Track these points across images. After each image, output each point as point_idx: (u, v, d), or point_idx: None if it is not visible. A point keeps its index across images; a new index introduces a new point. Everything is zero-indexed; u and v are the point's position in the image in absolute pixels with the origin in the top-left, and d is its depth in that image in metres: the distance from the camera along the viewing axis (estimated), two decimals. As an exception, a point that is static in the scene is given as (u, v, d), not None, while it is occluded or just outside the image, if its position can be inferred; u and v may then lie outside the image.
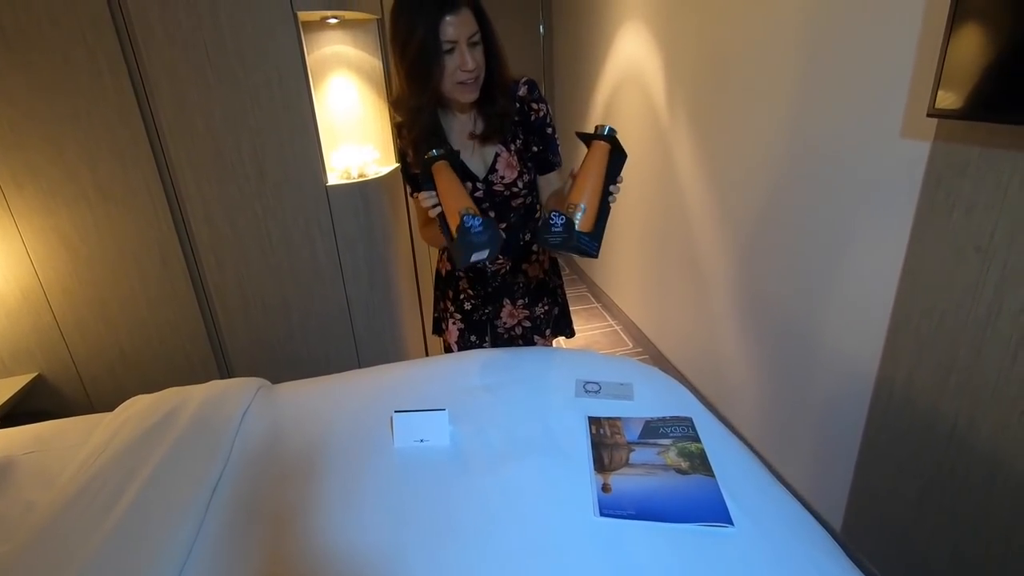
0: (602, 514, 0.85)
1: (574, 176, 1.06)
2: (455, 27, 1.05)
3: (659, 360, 2.63)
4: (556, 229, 0.97)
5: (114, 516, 0.89)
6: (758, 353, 1.85)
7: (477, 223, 0.99)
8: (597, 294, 3.45)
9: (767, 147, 1.67)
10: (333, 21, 1.82)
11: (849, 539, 1.51)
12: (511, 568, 0.77)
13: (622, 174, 1.05)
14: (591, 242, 1.00)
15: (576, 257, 3.89)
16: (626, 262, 2.96)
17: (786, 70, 1.55)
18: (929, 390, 1.21)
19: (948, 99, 1.00)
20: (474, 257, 1.00)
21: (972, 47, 0.95)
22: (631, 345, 2.89)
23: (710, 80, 1.93)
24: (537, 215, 1.34)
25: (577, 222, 0.99)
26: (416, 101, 1.15)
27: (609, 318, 3.20)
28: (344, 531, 0.86)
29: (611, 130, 1.04)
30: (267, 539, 0.87)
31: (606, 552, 0.79)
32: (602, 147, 1.04)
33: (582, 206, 1.00)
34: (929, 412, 1.22)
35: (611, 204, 1.06)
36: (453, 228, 1.01)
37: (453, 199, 1.04)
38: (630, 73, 2.59)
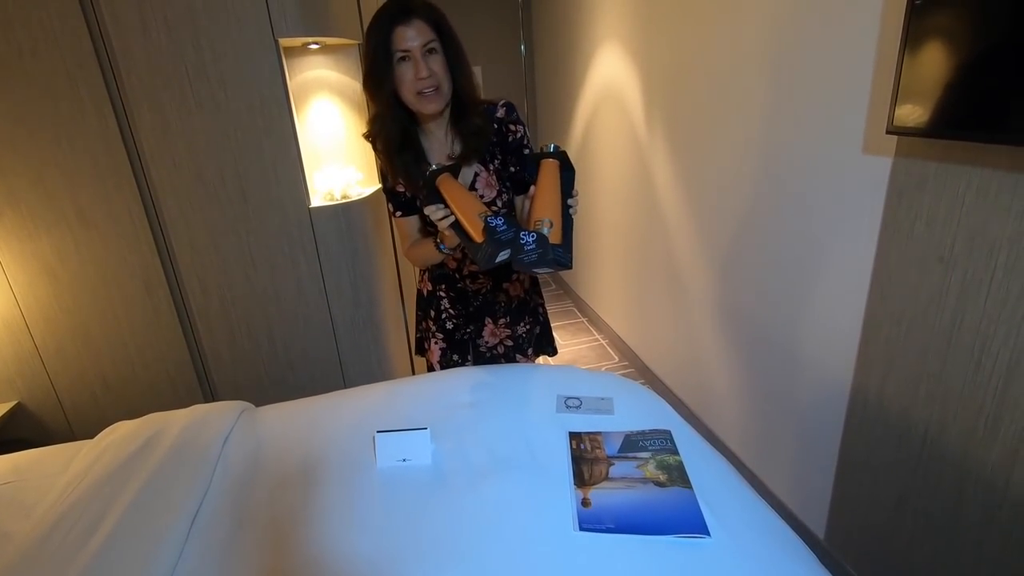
0: (581, 528, 0.86)
1: (532, 197, 1.09)
2: (407, 37, 1.11)
3: (644, 373, 2.65)
4: (530, 248, 0.99)
5: (92, 546, 0.89)
6: (738, 364, 1.88)
7: (500, 222, 1.01)
8: (582, 308, 3.47)
9: (739, 164, 1.71)
10: (314, 47, 1.86)
11: (832, 546, 1.53)
12: (492, 585, 0.78)
13: (576, 187, 1.10)
14: (564, 253, 1.03)
15: (559, 272, 3.90)
16: (610, 276, 2.99)
17: (753, 89, 1.60)
18: (901, 398, 1.24)
19: (905, 117, 1.04)
20: (500, 256, 1.00)
21: (925, 66, 0.99)
22: (617, 359, 2.92)
23: (684, 99, 1.99)
24: None
25: (547, 234, 1.02)
26: (376, 109, 1.20)
27: (595, 332, 3.23)
28: (327, 553, 0.86)
29: (556, 147, 1.09)
30: (249, 565, 0.87)
31: (585, 567, 0.80)
32: (552, 164, 1.08)
33: (548, 221, 1.03)
34: (902, 419, 1.25)
35: (572, 216, 1.10)
36: (475, 232, 1.03)
37: (468, 205, 1.06)
38: (609, 92, 2.65)
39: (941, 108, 0.98)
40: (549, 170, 1.08)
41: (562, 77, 3.33)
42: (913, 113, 1.03)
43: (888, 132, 1.08)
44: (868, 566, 1.41)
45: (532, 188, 1.11)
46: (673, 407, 1.23)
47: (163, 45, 1.55)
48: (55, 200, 1.59)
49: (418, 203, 1.29)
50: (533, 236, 1.00)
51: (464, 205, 1.07)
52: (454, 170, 1.13)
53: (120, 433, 1.21)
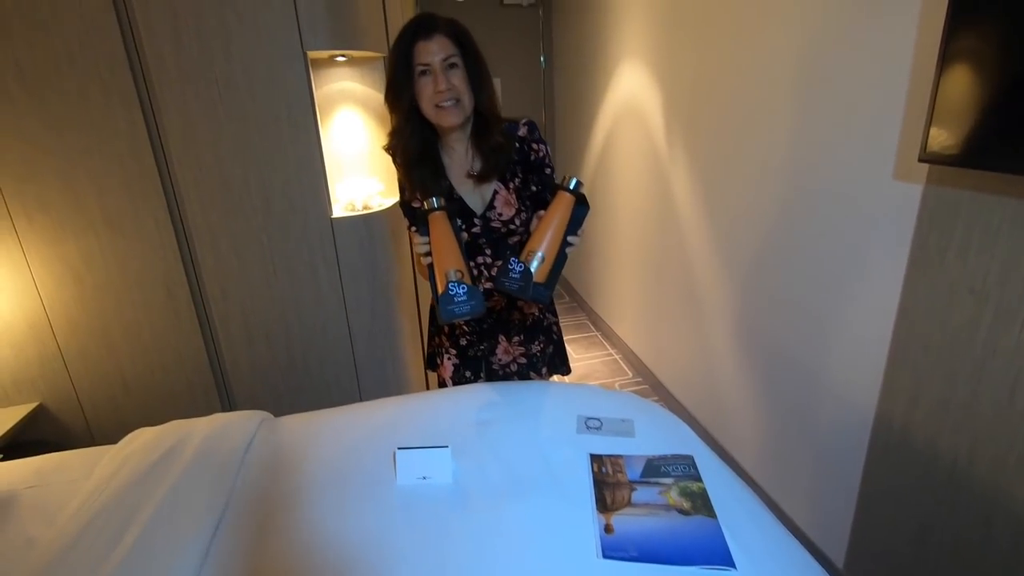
0: (605, 556, 0.85)
1: (537, 220, 1.11)
2: (428, 51, 1.12)
3: (658, 389, 2.63)
4: (514, 276, 1.03)
5: (116, 555, 0.89)
6: (756, 383, 1.86)
7: (462, 292, 1.05)
8: (596, 322, 3.46)
9: (764, 183, 1.71)
10: (341, 59, 1.88)
11: (851, 574, 1.50)
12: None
13: (582, 229, 1.11)
14: (544, 292, 1.06)
15: (565, 279, 3.92)
16: (625, 291, 2.98)
17: (781, 109, 1.59)
18: (928, 426, 1.22)
19: (938, 145, 1.03)
20: (455, 319, 1.06)
21: (961, 94, 0.98)
22: (631, 375, 2.90)
23: (708, 117, 1.98)
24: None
25: (534, 271, 1.04)
26: (396, 122, 1.21)
27: (608, 347, 3.21)
28: (348, 571, 0.86)
29: (577, 183, 1.09)
30: (269, 579, 0.87)
31: (609, 595, 0.79)
32: (566, 199, 1.09)
33: (540, 255, 1.05)
34: (929, 447, 1.22)
35: (568, 254, 1.11)
36: (440, 286, 1.06)
37: (444, 256, 1.08)
38: (629, 107, 2.66)
39: (976, 137, 0.97)
40: (562, 204, 1.08)
41: (581, 91, 3.34)
42: (947, 141, 1.02)
43: (920, 160, 1.07)
44: (889, 598, 1.39)
45: (538, 215, 1.12)
46: (688, 424, 1.23)
47: (194, 55, 1.58)
48: (83, 205, 1.62)
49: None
50: (521, 267, 1.03)
51: (441, 253, 1.09)
52: (451, 211, 1.14)
53: (142, 440, 1.21)
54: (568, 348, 3.18)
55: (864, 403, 1.40)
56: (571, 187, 1.08)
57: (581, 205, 1.10)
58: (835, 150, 1.41)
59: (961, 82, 0.98)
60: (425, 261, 1.13)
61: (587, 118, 3.28)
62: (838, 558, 1.55)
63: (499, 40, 3.77)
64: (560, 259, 1.09)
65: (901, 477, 1.31)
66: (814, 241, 1.52)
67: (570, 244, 1.10)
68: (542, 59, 3.89)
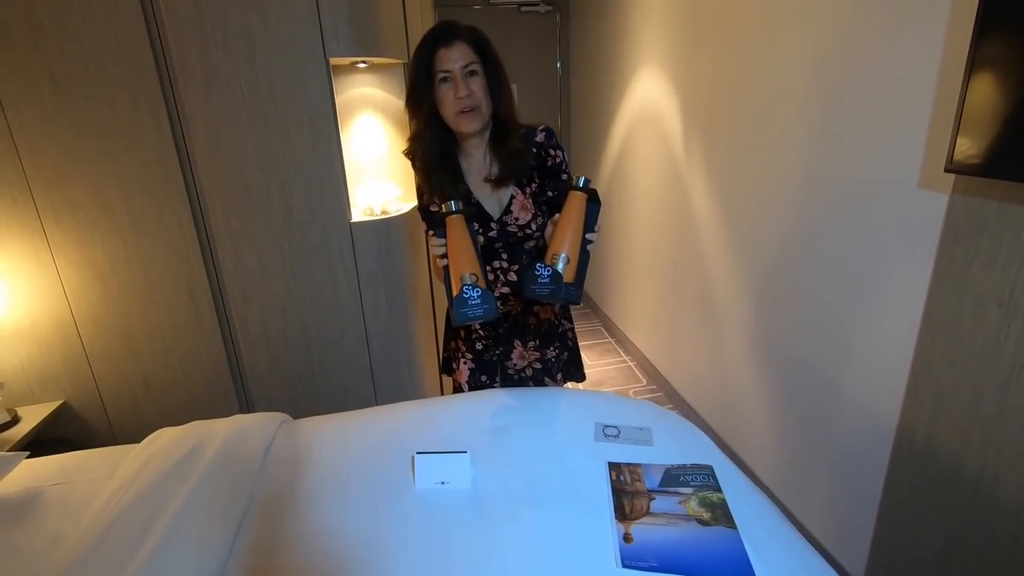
0: (624, 566, 0.85)
1: (554, 225, 1.12)
2: (449, 58, 1.14)
3: (672, 397, 2.62)
4: (543, 281, 1.03)
5: (141, 555, 0.90)
6: (773, 393, 1.84)
7: (476, 295, 1.05)
8: (611, 329, 3.45)
9: (782, 191, 1.69)
10: (362, 65, 1.90)
11: (872, 591, 1.48)
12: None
13: (599, 223, 1.11)
14: (576, 292, 1.07)
15: (586, 293, 3.89)
16: (640, 298, 2.97)
17: (800, 115, 1.58)
18: (952, 441, 1.20)
19: (965, 155, 1.02)
20: (468, 321, 1.07)
21: (989, 103, 0.97)
22: (645, 382, 2.88)
23: (726, 123, 1.97)
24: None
25: (562, 273, 1.04)
26: (416, 127, 1.23)
27: (623, 354, 3.20)
28: (366, 573, 0.86)
29: (587, 181, 1.10)
30: (290, 581, 0.88)
31: (629, 606, 0.79)
32: (579, 197, 1.09)
33: (564, 256, 1.06)
34: (953, 463, 1.20)
35: (590, 251, 1.11)
36: (455, 288, 1.07)
37: (459, 259, 1.08)
38: (646, 113, 2.65)
39: (1004, 148, 0.96)
40: (575, 203, 1.09)
41: (598, 96, 3.34)
42: (974, 151, 1.01)
43: (947, 170, 1.06)
44: (911, 614, 1.36)
45: (554, 219, 1.13)
46: (701, 431, 1.22)
47: (220, 62, 1.61)
48: (110, 208, 1.65)
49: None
50: (549, 271, 1.04)
51: (457, 256, 1.09)
52: (469, 215, 1.14)
53: (165, 440, 1.23)
54: (583, 355, 3.18)
55: (886, 413, 1.38)
56: (581, 185, 1.09)
57: (593, 202, 1.10)
58: (858, 158, 1.40)
59: (989, 91, 0.97)
60: (441, 263, 1.14)
61: (604, 123, 3.28)
62: (857, 571, 1.52)
63: (516, 45, 3.79)
64: (583, 257, 1.10)
65: (924, 490, 1.29)
66: (835, 249, 1.51)
67: (590, 241, 1.10)
68: (559, 64, 3.90)
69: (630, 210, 2.98)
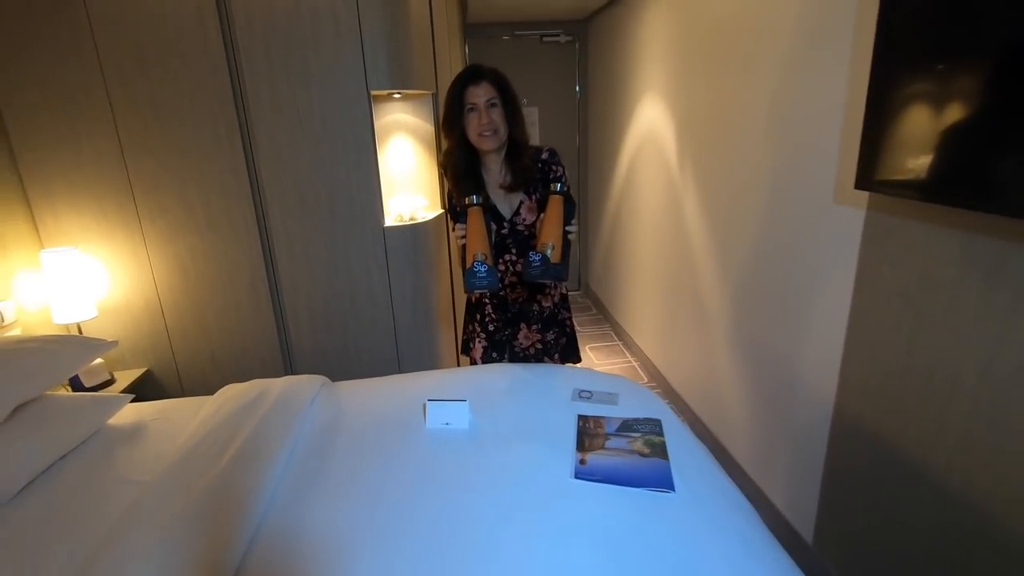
0: (576, 477, 1.13)
1: (541, 223, 1.45)
2: (476, 94, 1.49)
3: (669, 393, 2.86)
4: (535, 264, 1.35)
5: (224, 460, 1.23)
6: (747, 383, 2.08)
7: (483, 270, 1.38)
8: (619, 332, 3.71)
9: (751, 203, 1.96)
10: (397, 96, 2.26)
11: (820, 549, 1.70)
12: (512, 511, 1.05)
13: (575, 219, 1.46)
14: (562, 270, 1.40)
15: (593, 293, 4.18)
16: (644, 304, 3.23)
17: (762, 138, 1.85)
18: (872, 413, 1.44)
19: (866, 175, 1.28)
20: (475, 290, 1.40)
21: (883, 134, 1.22)
22: (646, 380, 3.13)
23: (710, 146, 2.25)
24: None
25: (550, 256, 1.36)
26: (448, 146, 1.59)
27: (628, 355, 3.45)
28: (385, 487, 1.17)
29: (562, 187, 1.45)
30: (331, 487, 1.19)
31: (577, 503, 1.07)
32: (557, 200, 1.44)
33: (550, 244, 1.38)
34: (874, 433, 1.44)
35: (571, 240, 1.46)
36: (468, 262, 1.41)
37: (475, 240, 1.41)
38: (650, 135, 2.94)
39: (898, 171, 1.21)
40: (555, 204, 1.44)
41: (611, 119, 3.64)
42: (874, 173, 1.26)
43: (856, 188, 1.32)
44: (849, 567, 1.58)
45: (541, 217, 1.47)
46: (691, 423, 1.49)
47: (283, 93, 1.98)
48: (192, 211, 2.03)
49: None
50: (539, 256, 1.36)
51: (474, 238, 1.44)
52: (487, 208, 1.50)
53: (234, 391, 1.57)
54: (591, 353, 3.45)
55: (826, 393, 1.62)
56: (558, 190, 1.44)
57: (569, 203, 1.45)
58: (803, 174, 1.66)
59: (883, 125, 1.23)
60: (460, 243, 1.49)
61: (615, 143, 3.57)
62: (808, 535, 1.75)
63: (539, 72, 4.13)
64: (566, 245, 1.44)
65: (856, 461, 1.52)
66: (787, 256, 1.76)
67: (570, 232, 1.45)
68: (577, 89, 4.22)
69: (637, 224, 3.26)
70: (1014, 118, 0.95)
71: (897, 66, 1.18)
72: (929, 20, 1.10)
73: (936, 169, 1.11)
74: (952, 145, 1.08)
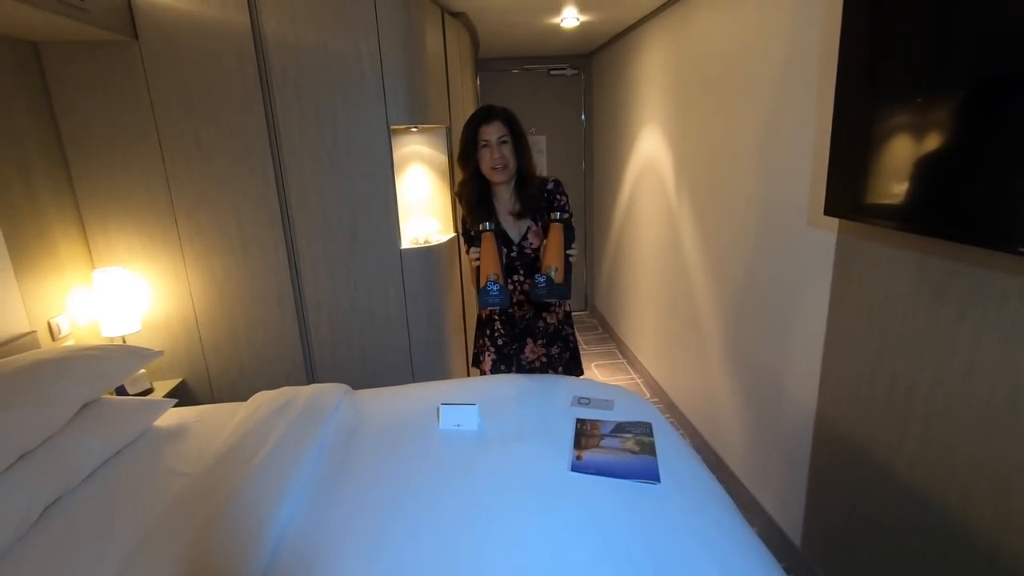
0: (572, 470, 1.28)
1: (544, 248, 1.63)
2: (488, 132, 1.68)
3: (671, 409, 2.98)
4: (541, 285, 1.53)
5: (260, 456, 1.38)
6: (741, 398, 2.21)
7: (495, 289, 1.55)
8: (623, 351, 3.84)
9: (742, 226, 2.11)
10: (414, 129, 2.46)
11: (807, 551, 1.81)
12: (514, 497, 1.20)
13: (575, 243, 1.66)
14: (565, 289, 1.59)
15: (599, 313, 4.33)
16: (645, 323, 3.37)
17: (750, 166, 2.02)
18: (846, 420, 1.57)
19: (834, 203, 1.43)
20: (488, 307, 1.58)
21: (846, 166, 1.38)
22: (649, 395, 3.25)
23: (705, 173, 2.42)
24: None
25: (553, 278, 1.53)
26: (464, 177, 1.78)
27: (632, 372, 3.58)
28: (403, 477, 1.32)
29: (562, 215, 1.64)
30: (354, 475, 1.34)
31: (573, 492, 1.21)
32: (558, 227, 1.63)
33: (554, 267, 1.56)
34: (848, 437, 1.57)
35: (572, 262, 1.64)
36: (482, 282, 1.58)
37: (489, 262, 1.59)
38: (649, 163, 3.13)
39: (859, 198, 1.37)
40: (556, 231, 1.62)
41: (614, 148, 3.84)
42: (840, 201, 1.42)
43: (825, 214, 1.48)
44: (835, 568, 1.69)
45: (544, 243, 1.65)
46: (690, 437, 1.63)
47: (311, 129, 2.19)
48: (227, 233, 2.23)
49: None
50: (544, 278, 1.53)
51: (487, 261, 1.63)
52: (498, 233, 1.69)
53: (266, 397, 1.74)
54: (596, 370, 3.58)
55: (809, 403, 1.75)
56: (558, 218, 1.62)
57: (568, 228, 1.63)
58: (785, 199, 1.82)
59: (844, 158, 1.39)
60: (475, 265, 1.68)
61: (618, 171, 3.76)
62: (796, 538, 1.86)
63: (546, 103, 4.36)
64: (568, 267, 1.62)
65: (836, 466, 1.64)
66: (774, 276, 1.91)
67: (571, 255, 1.63)
68: (583, 118, 4.44)
69: (638, 247, 3.42)
70: (948, 154, 1.11)
71: (854, 106, 1.35)
72: (876, 68, 1.27)
73: (887, 197, 1.27)
74: (899, 176, 1.23)
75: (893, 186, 1.26)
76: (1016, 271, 1.06)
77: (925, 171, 1.17)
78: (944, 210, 1.12)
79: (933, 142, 1.14)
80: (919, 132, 1.18)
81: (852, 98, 1.35)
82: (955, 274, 1.20)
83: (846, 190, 1.40)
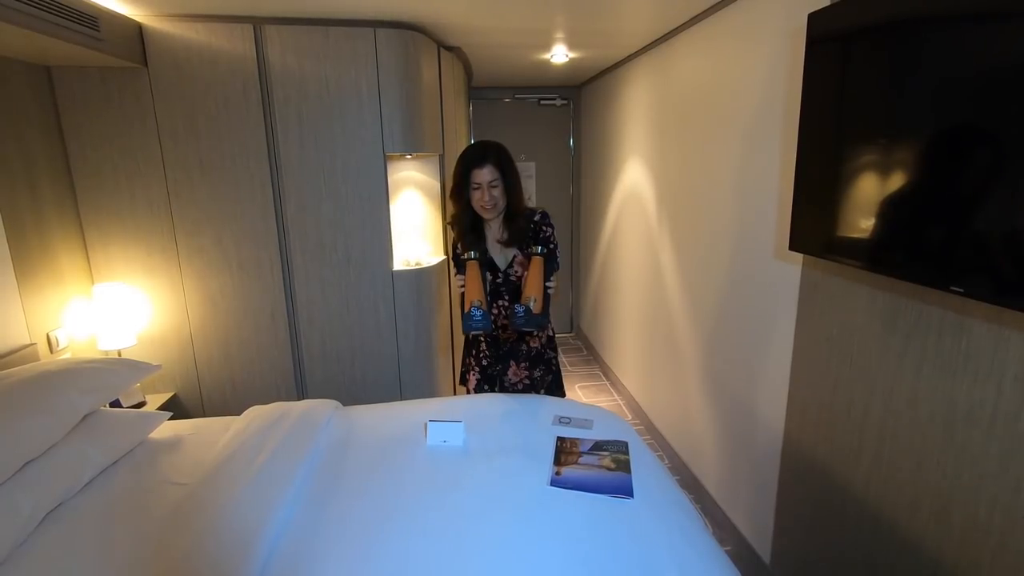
0: (551, 485, 1.36)
1: (525, 280, 1.72)
2: (480, 175, 1.77)
3: (651, 430, 3.07)
4: (520, 315, 1.62)
5: (254, 468, 1.45)
6: (716, 420, 2.31)
7: (479, 314, 1.65)
8: (606, 372, 3.94)
9: (716, 255, 2.24)
10: (408, 156, 2.58)
11: (776, 566, 1.90)
12: (495, 509, 1.28)
13: (555, 275, 1.79)
14: (543, 319, 1.68)
15: (584, 335, 4.43)
16: (628, 346, 3.48)
17: (725, 199, 2.15)
18: (808, 441, 1.68)
19: (796, 239, 1.56)
20: (471, 331, 1.67)
21: (806, 206, 1.50)
22: (630, 417, 3.34)
23: (683, 204, 2.55)
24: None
25: (532, 308, 1.63)
26: (456, 210, 1.87)
27: (615, 394, 3.67)
28: (391, 489, 1.39)
29: (542, 249, 1.75)
30: (344, 487, 1.41)
31: (551, 504, 1.30)
32: (538, 260, 1.74)
33: (533, 298, 1.65)
34: (809, 457, 1.67)
35: (550, 293, 1.74)
36: (466, 308, 1.68)
37: (473, 289, 1.69)
38: (632, 193, 3.27)
39: (817, 235, 1.49)
40: (536, 263, 1.74)
41: (600, 176, 3.99)
42: (800, 238, 1.54)
43: (790, 249, 1.60)
44: (796, 583, 1.78)
45: (525, 274, 1.75)
46: (668, 458, 1.72)
47: (311, 155, 2.29)
48: (225, 253, 2.31)
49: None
50: (523, 308, 1.63)
51: (471, 287, 1.73)
52: (482, 261, 1.81)
53: (259, 411, 1.80)
54: (580, 392, 3.67)
55: (777, 426, 1.85)
56: (538, 252, 1.73)
57: (550, 261, 1.75)
58: (756, 233, 1.94)
59: (804, 198, 1.52)
60: (460, 291, 1.78)
61: (603, 198, 3.91)
62: (766, 556, 1.95)
63: (536, 131, 4.51)
64: (546, 298, 1.71)
65: (802, 485, 1.74)
66: (746, 304, 2.03)
67: (549, 287, 1.72)
68: (571, 146, 4.60)
69: (621, 271, 3.55)
70: (890, 201, 1.24)
71: (815, 152, 1.48)
72: (833, 120, 1.41)
73: (842, 236, 1.39)
74: (850, 218, 1.36)
75: (846, 226, 1.38)
76: (949, 307, 1.19)
77: (873, 214, 1.29)
78: (887, 248, 1.25)
79: (875, 189, 1.27)
80: (867, 179, 1.31)
81: (813, 146, 1.48)
82: (901, 308, 1.32)
83: (807, 228, 1.52)
